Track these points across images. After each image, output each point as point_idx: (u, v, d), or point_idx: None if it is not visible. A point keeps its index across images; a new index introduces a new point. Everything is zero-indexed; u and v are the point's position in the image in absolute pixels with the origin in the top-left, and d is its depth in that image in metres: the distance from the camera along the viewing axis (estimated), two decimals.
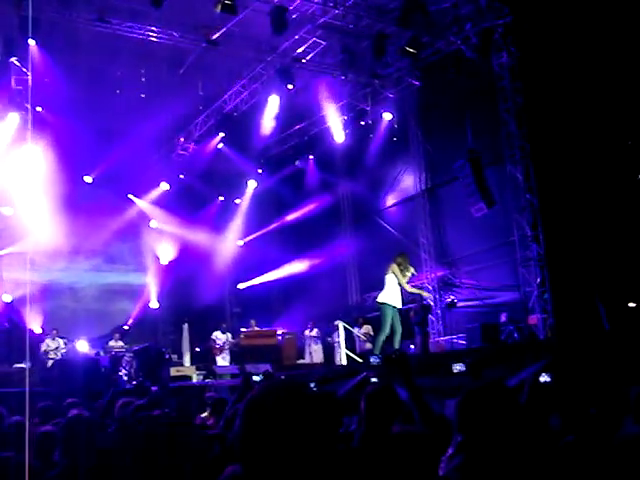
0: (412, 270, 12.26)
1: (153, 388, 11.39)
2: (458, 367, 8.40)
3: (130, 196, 21.22)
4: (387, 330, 11.85)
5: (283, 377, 11.44)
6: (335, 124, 19.18)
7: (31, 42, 14.39)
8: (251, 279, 22.13)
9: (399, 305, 12.09)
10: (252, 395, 1.76)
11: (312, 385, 7.87)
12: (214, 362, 17.62)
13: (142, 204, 21.43)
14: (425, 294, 12.52)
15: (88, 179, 19.93)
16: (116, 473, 3.44)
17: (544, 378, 4.54)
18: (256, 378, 5.57)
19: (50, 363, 15.36)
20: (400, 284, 12.03)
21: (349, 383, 8.92)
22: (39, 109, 17.02)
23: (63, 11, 14.06)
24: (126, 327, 19.71)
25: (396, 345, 11.93)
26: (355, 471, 3.16)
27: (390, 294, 11.99)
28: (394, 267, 12.04)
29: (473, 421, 2.64)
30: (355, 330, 16.87)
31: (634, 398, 3.93)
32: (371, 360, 11.01)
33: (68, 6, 14.10)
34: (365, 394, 3.96)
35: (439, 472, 3.26)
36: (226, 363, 17.58)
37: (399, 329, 11.97)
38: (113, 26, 14.56)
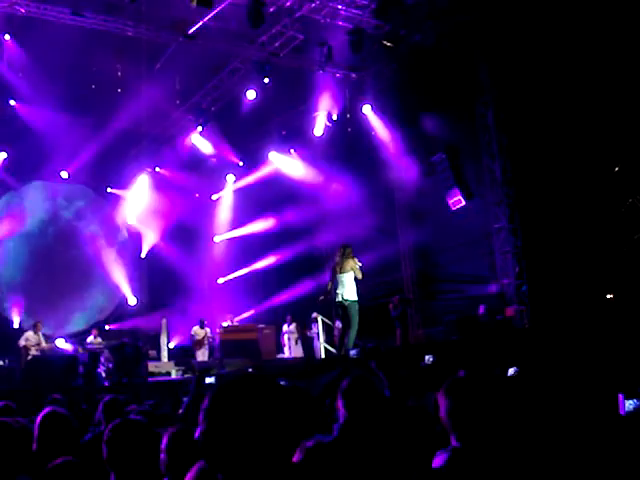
0: (356, 260, 12.13)
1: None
2: (428, 360, 8.44)
3: (109, 189, 21.14)
4: (357, 325, 11.90)
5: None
6: (314, 118, 19.17)
7: (6, 37, 14.26)
8: (230, 273, 22.10)
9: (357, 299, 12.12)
10: (216, 389, 1.75)
11: (282, 381, 7.87)
12: (194, 357, 17.60)
13: (120, 198, 21.33)
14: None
15: (64, 174, 19.81)
16: (89, 471, 3.42)
17: (512, 371, 4.57)
18: (209, 380, 5.54)
19: (29, 358, 15.20)
20: (357, 277, 11.99)
21: (328, 376, 8.93)
22: (12, 103, 16.89)
23: (38, 4, 13.90)
24: (107, 327, 19.65)
25: (352, 340, 11.94)
26: (334, 463, 3.15)
27: (353, 290, 11.94)
28: (352, 264, 11.95)
29: (461, 411, 2.65)
30: (336, 324, 16.89)
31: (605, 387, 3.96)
32: (350, 353, 11.03)
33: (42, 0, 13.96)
34: (341, 387, 3.96)
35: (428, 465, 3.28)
36: (205, 358, 17.57)
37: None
38: (88, 20, 14.41)
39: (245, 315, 20.44)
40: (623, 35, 12.31)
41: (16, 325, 17.94)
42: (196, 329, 18.09)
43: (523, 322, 14.42)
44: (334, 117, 18.91)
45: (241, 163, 21.62)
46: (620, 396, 3.46)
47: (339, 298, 11.98)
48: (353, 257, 11.97)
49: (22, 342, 15.59)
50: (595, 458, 2.93)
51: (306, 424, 3.74)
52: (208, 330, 18.13)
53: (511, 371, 4.68)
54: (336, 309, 12.15)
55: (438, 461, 2.68)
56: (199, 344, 17.87)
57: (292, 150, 20.52)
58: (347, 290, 11.91)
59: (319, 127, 19.20)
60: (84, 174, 20.21)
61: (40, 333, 16.04)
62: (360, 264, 12.07)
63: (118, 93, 17.16)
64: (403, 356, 10.91)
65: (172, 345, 19.22)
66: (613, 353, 7.60)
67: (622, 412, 3.43)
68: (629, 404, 3.39)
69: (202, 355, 17.73)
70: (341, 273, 11.94)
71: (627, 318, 10.76)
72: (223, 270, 22.41)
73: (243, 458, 1.64)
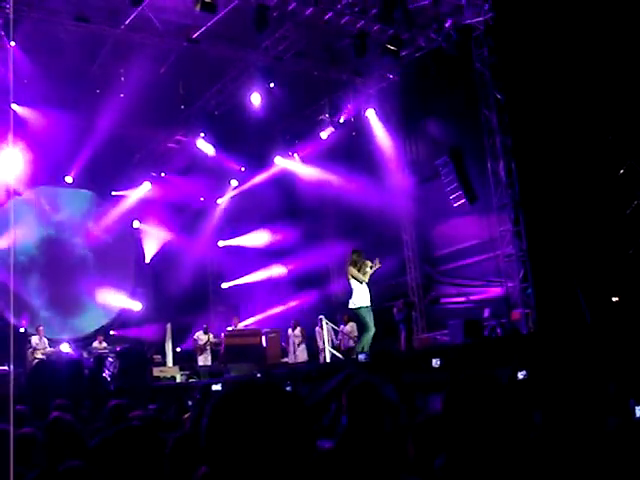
0: (369, 264, 11.92)
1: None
2: (436, 362, 8.45)
3: (114, 193, 21.16)
4: (373, 328, 11.74)
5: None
6: (319, 122, 19.21)
7: (11, 43, 14.28)
8: (234, 278, 22.11)
9: (369, 302, 11.95)
10: (220, 394, 1.74)
11: (288, 386, 7.85)
12: (196, 362, 17.67)
13: (124, 203, 21.36)
14: (376, 266, 12.12)
15: (69, 179, 19.86)
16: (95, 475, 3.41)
17: (522, 374, 4.55)
18: (216, 387, 5.55)
19: (34, 363, 15.23)
20: (361, 282, 11.84)
21: (332, 381, 8.92)
22: (16, 107, 16.92)
23: (42, 10, 13.94)
24: (112, 332, 19.69)
25: (363, 344, 11.77)
26: (337, 468, 3.14)
27: (359, 296, 11.81)
28: (352, 271, 11.80)
29: (458, 414, 2.64)
30: (340, 328, 16.89)
31: (614, 392, 3.95)
32: (359, 358, 10.98)
33: (47, 5, 13.99)
34: (346, 390, 3.95)
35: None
36: (208, 363, 17.64)
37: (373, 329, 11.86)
38: (92, 25, 14.45)
39: (251, 320, 20.42)
40: (626, 35, 12.29)
41: (22, 329, 17.97)
42: (199, 334, 18.18)
43: (529, 325, 14.37)
44: (341, 121, 18.93)
45: (243, 169, 21.64)
46: (631, 401, 3.45)
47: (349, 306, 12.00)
48: (355, 262, 11.89)
49: (30, 346, 15.69)
50: (606, 461, 2.92)
51: (307, 431, 3.72)
52: (211, 336, 18.22)
53: (521, 375, 4.66)
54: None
55: (437, 464, 2.68)
56: (201, 349, 17.96)
57: (296, 155, 20.53)
58: (353, 297, 11.88)
59: (324, 131, 19.22)
60: (88, 179, 20.25)
61: (44, 337, 16.09)
62: (370, 266, 11.92)
63: (121, 98, 17.18)
64: (408, 360, 10.89)
65: (178, 349, 19.24)
66: (620, 357, 7.57)
67: (634, 417, 3.43)
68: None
69: (204, 360, 17.82)
70: (348, 280, 11.92)
71: (633, 321, 10.72)
72: (227, 275, 22.42)
73: (246, 465, 1.63)
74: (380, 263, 12.20)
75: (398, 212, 18.67)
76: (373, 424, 3.74)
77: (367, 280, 11.82)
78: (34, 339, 15.87)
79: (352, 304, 11.85)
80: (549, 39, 13.30)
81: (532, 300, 14.58)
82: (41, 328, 16.18)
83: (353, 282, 11.81)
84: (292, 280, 20.39)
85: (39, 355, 15.51)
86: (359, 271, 11.78)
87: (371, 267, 11.88)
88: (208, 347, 18.01)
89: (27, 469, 4.46)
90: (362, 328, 12.14)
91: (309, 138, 19.73)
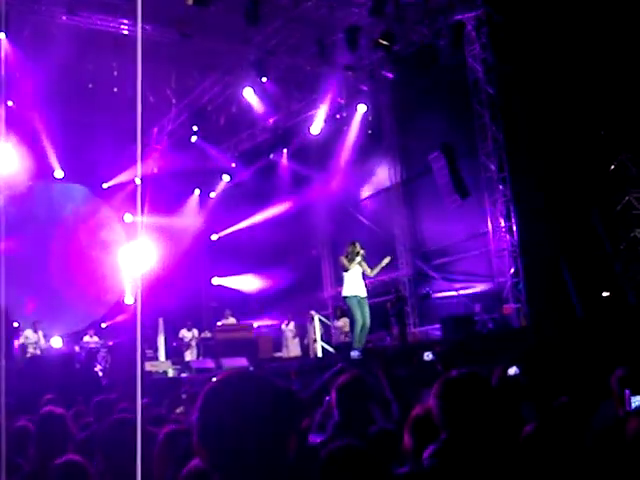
0: (362, 252, 11.85)
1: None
2: (428, 356, 8.47)
3: (105, 185, 21.06)
4: (360, 320, 11.69)
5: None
6: (310, 117, 19.18)
7: (1, 35, 14.19)
8: (226, 274, 22.10)
9: (363, 294, 11.90)
10: (210, 385, 1.74)
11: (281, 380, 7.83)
12: (183, 358, 17.73)
13: (115, 197, 21.29)
14: (385, 262, 12.19)
15: (59, 174, 19.77)
16: (88, 468, 3.41)
17: (513, 371, 4.55)
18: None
19: (28, 357, 15.16)
20: (346, 270, 11.85)
21: (325, 375, 8.91)
22: (10, 103, 16.83)
23: (33, 4, 13.87)
24: (103, 325, 19.64)
25: (356, 338, 11.75)
26: (330, 461, 3.14)
27: (347, 286, 11.81)
28: (341, 259, 11.91)
29: (450, 409, 2.65)
30: (334, 323, 16.91)
31: (615, 382, 3.94)
32: (351, 354, 10.95)
33: None
34: (336, 385, 3.96)
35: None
36: (194, 358, 17.70)
37: (367, 321, 11.78)
38: (83, 19, 14.38)
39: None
40: (619, 30, 12.31)
41: (15, 324, 17.88)
42: (183, 332, 18.32)
43: (519, 320, 14.42)
44: (337, 116, 18.93)
45: (234, 164, 21.60)
46: (626, 392, 3.46)
47: None
48: (349, 252, 11.90)
49: (21, 340, 15.59)
50: (599, 454, 2.93)
51: (298, 424, 3.73)
52: (196, 331, 18.30)
53: (511, 371, 4.66)
54: None
55: (428, 452, 2.70)
56: (186, 346, 18.06)
57: (285, 150, 20.52)
58: (343, 287, 11.92)
59: (316, 126, 19.18)
60: (79, 173, 20.18)
61: (40, 332, 16.05)
62: (362, 255, 11.87)
63: (114, 92, 17.12)
64: (400, 354, 10.91)
65: (175, 344, 19.25)
66: (612, 350, 7.61)
67: (629, 408, 3.44)
68: (635, 400, 3.41)
69: (190, 355, 17.92)
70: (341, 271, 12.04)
71: (623, 317, 10.76)
72: (219, 270, 22.40)
73: (237, 458, 1.63)
74: (390, 259, 12.32)
75: (389, 207, 18.69)
76: (364, 418, 3.75)
77: (351, 269, 11.79)
78: (27, 333, 15.80)
79: (343, 292, 11.90)
80: (541, 34, 13.30)
81: (523, 295, 14.63)
82: (37, 323, 16.12)
83: (344, 272, 11.88)
84: (285, 273, 20.38)
85: (31, 350, 15.46)
86: (349, 262, 11.81)
87: (363, 258, 11.88)
88: (194, 343, 18.11)
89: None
90: (351, 319, 12.17)
91: (301, 133, 19.70)
